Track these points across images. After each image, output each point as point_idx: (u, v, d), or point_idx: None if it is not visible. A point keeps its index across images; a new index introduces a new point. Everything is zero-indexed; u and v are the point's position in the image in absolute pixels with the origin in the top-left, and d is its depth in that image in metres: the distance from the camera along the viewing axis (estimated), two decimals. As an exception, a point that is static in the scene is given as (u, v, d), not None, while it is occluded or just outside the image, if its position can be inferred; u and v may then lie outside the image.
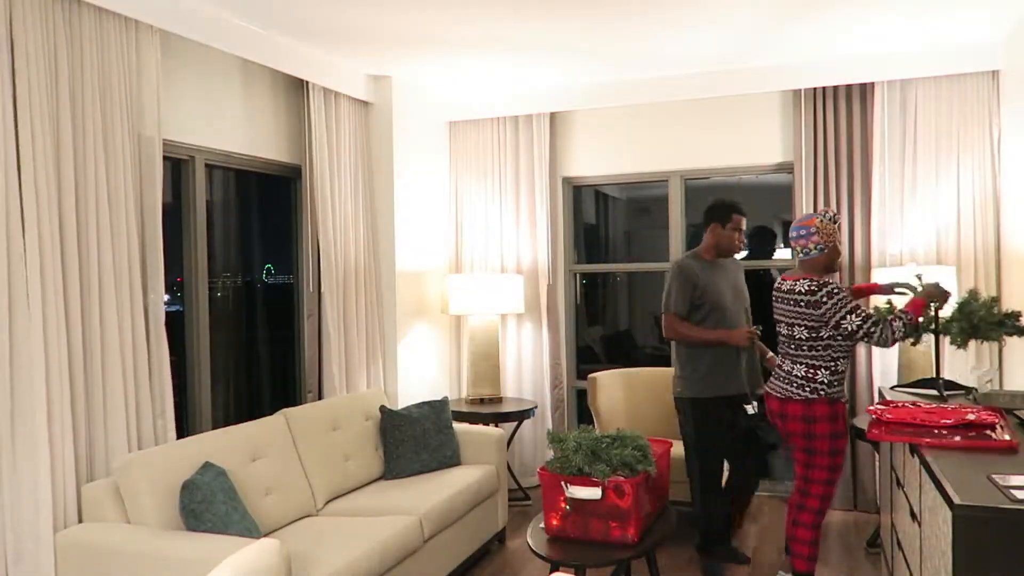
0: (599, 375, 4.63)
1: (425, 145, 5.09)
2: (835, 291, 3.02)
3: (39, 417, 2.69)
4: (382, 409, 4.03)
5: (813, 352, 3.11)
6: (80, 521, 2.83)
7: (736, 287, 3.82)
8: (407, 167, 4.84)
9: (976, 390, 3.13)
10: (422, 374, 5.01)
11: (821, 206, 4.54)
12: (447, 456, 4.02)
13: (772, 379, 3.32)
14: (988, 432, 2.42)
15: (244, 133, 4.01)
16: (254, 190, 4.57)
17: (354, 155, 4.54)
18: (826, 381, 3.10)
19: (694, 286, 3.65)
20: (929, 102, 4.35)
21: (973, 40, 4.20)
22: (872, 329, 2.97)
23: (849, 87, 4.49)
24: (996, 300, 3.27)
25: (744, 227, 3.75)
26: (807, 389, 3.11)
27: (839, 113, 4.51)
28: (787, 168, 4.77)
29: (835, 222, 3.16)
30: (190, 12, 3.38)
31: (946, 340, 3.37)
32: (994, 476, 1.96)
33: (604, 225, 6.49)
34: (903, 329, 2.99)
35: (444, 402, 4.15)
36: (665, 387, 4.59)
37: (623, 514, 2.77)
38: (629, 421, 4.59)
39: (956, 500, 1.81)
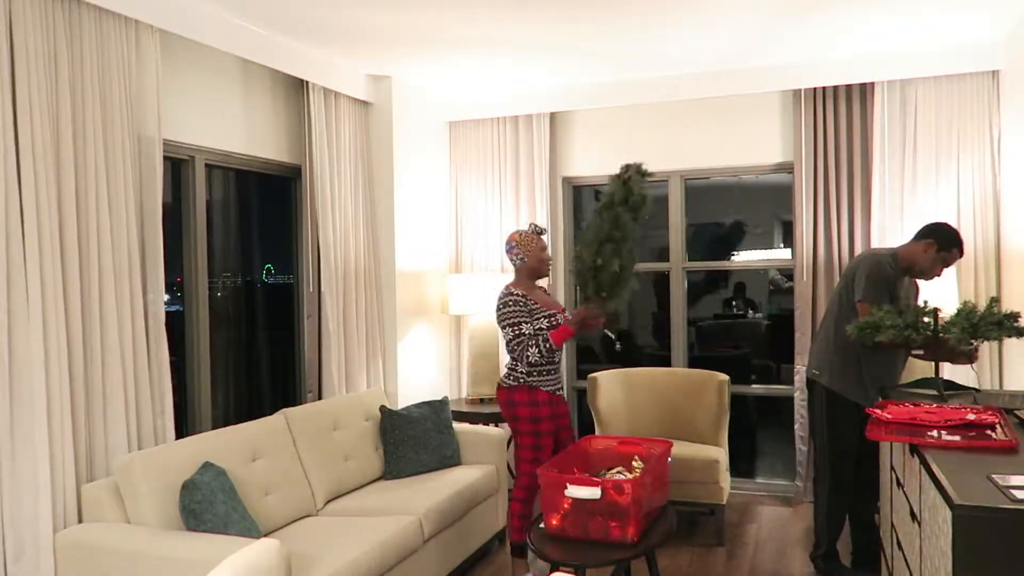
0: (599, 375, 4.63)
1: (425, 145, 5.09)
2: (511, 303, 3.47)
3: (39, 417, 2.69)
4: (382, 409, 4.02)
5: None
6: (80, 521, 2.83)
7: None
8: (407, 167, 4.84)
9: (977, 390, 3.13)
10: (422, 374, 5.01)
11: (822, 207, 4.55)
12: (447, 456, 4.02)
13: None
14: (988, 432, 2.42)
15: (244, 133, 4.01)
16: (254, 190, 4.57)
17: (354, 155, 4.54)
18: (524, 371, 3.51)
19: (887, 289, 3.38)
20: (929, 102, 4.35)
21: (973, 40, 4.20)
22: (515, 345, 3.46)
23: (849, 87, 4.49)
24: (996, 300, 3.27)
25: (951, 264, 3.49)
26: (510, 377, 3.55)
27: (839, 113, 4.51)
28: (787, 168, 4.77)
29: (540, 233, 3.61)
30: (190, 12, 3.38)
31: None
32: (994, 476, 1.96)
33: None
34: (537, 354, 3.43)
35: (444, 402, 4.15)
36: (664, 387, 4.60)
37: (623, 514, 2.77)
38: (629, 421, 4.59)
39: (956, 500, 1.81)
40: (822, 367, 3.55)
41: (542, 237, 3.64)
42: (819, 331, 3.70)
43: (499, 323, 3.54)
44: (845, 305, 3.48)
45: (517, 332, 3.46)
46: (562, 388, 3.70)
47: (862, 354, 3.41)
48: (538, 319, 3.51)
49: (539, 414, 3.51)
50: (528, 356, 3.44)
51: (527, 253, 3.58)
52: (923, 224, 3.48)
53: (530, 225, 3.65)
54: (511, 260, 3.64)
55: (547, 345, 3.44)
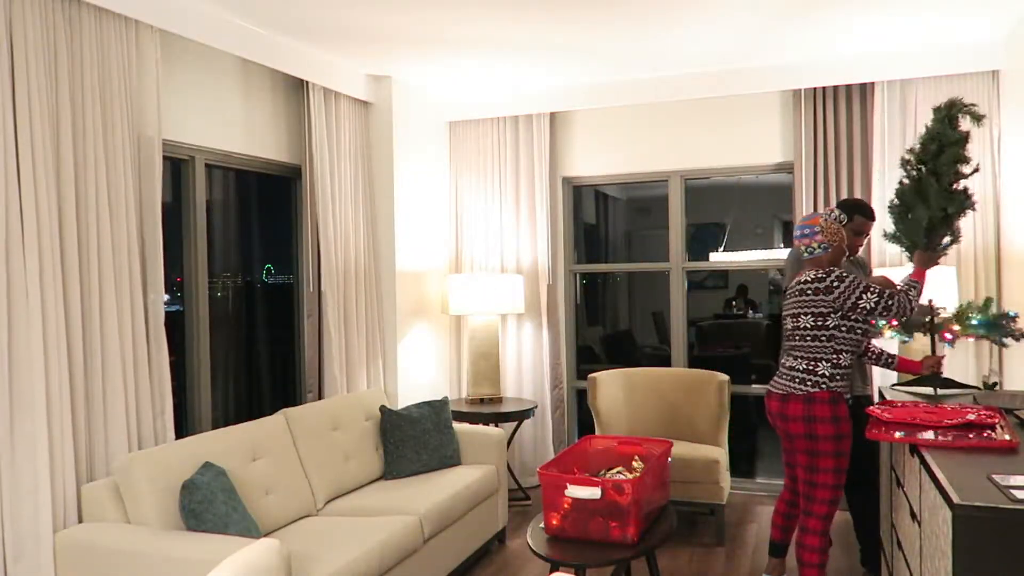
0: (599, 375, 4.63)
1: (425, 145, 5.09)
2: (844, 275, 2.95)
3: (39, 417, 2.69)
4: (382, 409, 4.03)
5: (817, 343, 3.01)
6: (80, 521, 2.83)
7: None
8: (407, 167, 4.84)
9: (979, 389, 3.13)
10: (422, 374, 5.01)
11: (822, 207, 4.55)
12: (447, 456, 4.02)
13: (775, 377, 3.22)
14: (988, 432, 2.42)
15: (244, 133, 4.01)
16: (254, 190, 4.57)
17: (354, 155, 4.54)
18: (827, 375, 2.99)
19: None
20: (929, 102, 4.35)
21: (973, 40, 4.20)
22: (890, 302, 2.91)
23: (849, 87, 4.49)
24: (990, 301, 3.27)
25: (867, 233, 3.53)
26: (808, 383, 3.00)
27: (839, 113, 4.51)
28: (787, 168, 4.78)
29: (841, 222, 3.10)
30: (190, 12, 3.38)
31: (941, 341, 3.37)
32: (994, 476, 1.96)
33: (604, 225, 6.49)
34: (917, 297, 2.99)
35: (444, 402, 4.15)
36: (665, 387, 4.61)
37: (623, 514, 2.77)
38: (629, 421, 4.60)
39: (956, 500, 1.81)
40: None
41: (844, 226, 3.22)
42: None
43: (836, 300, 2.94)
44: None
45: (880, 289, 2.93)
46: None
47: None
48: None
49: (842, 431, 2.99)
50: (912, 303, 2.96)
51: (830, 241, 3.06)
52: None
53: (828, 210, 3.15)
54: (807, 247, 3.09)
55: (917, 285, 3.02)
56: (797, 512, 3.40)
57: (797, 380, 3.03)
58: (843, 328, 2.99)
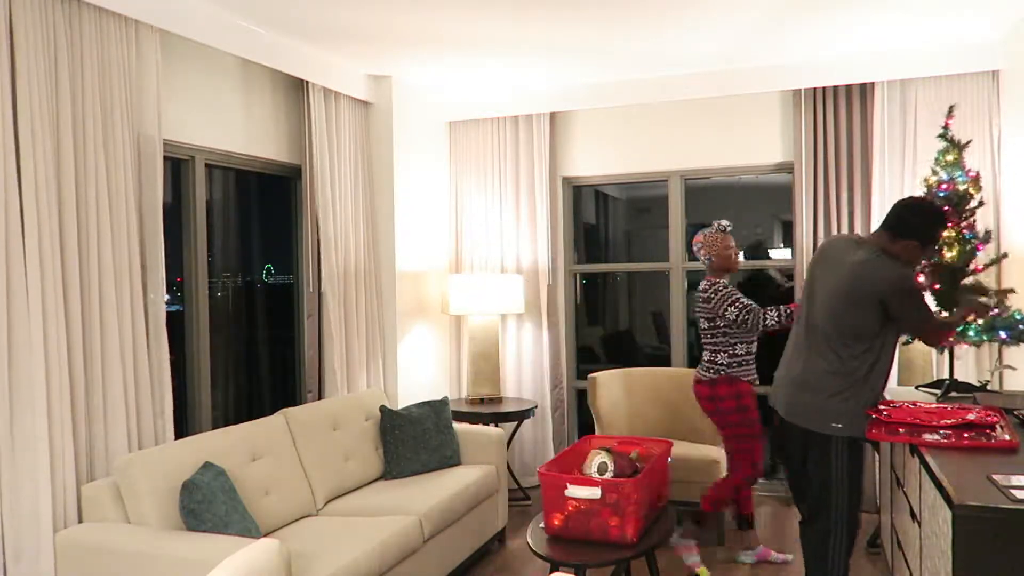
0: (599, 375, 4.63)
1: (425, 145, 5.09)
2: (719, 288, 3.60)
3: (39, 417, 2.69)
4: (382, 409, 4.02)
5: (714, 340, 3.68)
6: (80, 521, 2.83)
7: None
8: (407, 167, 4.84)
9: (984, 386, 3.13)
10: (422, 374, 5.01)
11: (822, 207, 4.55)
12: (447, 456, 4.01)
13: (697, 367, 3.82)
14: (988, 432, 2.42)
15: (244, 133, 4.01)
16: (254, 190, 4.57)
17: (354, 155, 4.54)
18: (726, 363, 3.62)
19: None
20: (929, 102, 4.35)
21: (973, 40, 4.20)
22: (746, 317, 3.53)
23: (849, 87, 4.49)
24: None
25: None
26: (711, 371, 3.66)
27: (839, 113, 4.51)
28: (787, 168, 4.77)
29: (724, 232, 3.70)
30: (190, 12, 3.38)
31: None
32: (994, 476, 1.96)
33: (604, 225, 6.48)
34: (776, 320, 3.52)
35: (444, 402, 4.15)
36: (664, 387, 4.60)
37: (623, 514, 2.77)
38: (629, 421, 4.59)
39: (956, 500, 1.81)
40: (843, 415, 2.74)
41: (728, 234, 3.72)
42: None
43: (713, 308, 3.61)
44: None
45: (743, 304, 3.53)
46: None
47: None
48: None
49: (743, 404, 3.59)
50: (766, 321, 3.51)
51: (711, 252, 3.69)
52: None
53: (714, 224, 3.74)
54: (701, 260, 3.76)
55: (788, 312, 3.49)
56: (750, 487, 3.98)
57: (703, 369, 3.72)
58: (732, 326, 3.60)
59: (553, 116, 5.14)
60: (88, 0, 2.91)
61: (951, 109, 3.40)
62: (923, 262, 3.39)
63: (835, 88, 4.51)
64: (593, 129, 5.19)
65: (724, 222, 3.73)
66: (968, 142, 3.41)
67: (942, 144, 3.40)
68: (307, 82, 4.15)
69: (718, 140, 4.90)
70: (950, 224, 3.29)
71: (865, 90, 4.46)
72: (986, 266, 3.24)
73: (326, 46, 4.11)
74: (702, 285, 3.70)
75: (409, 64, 4.51)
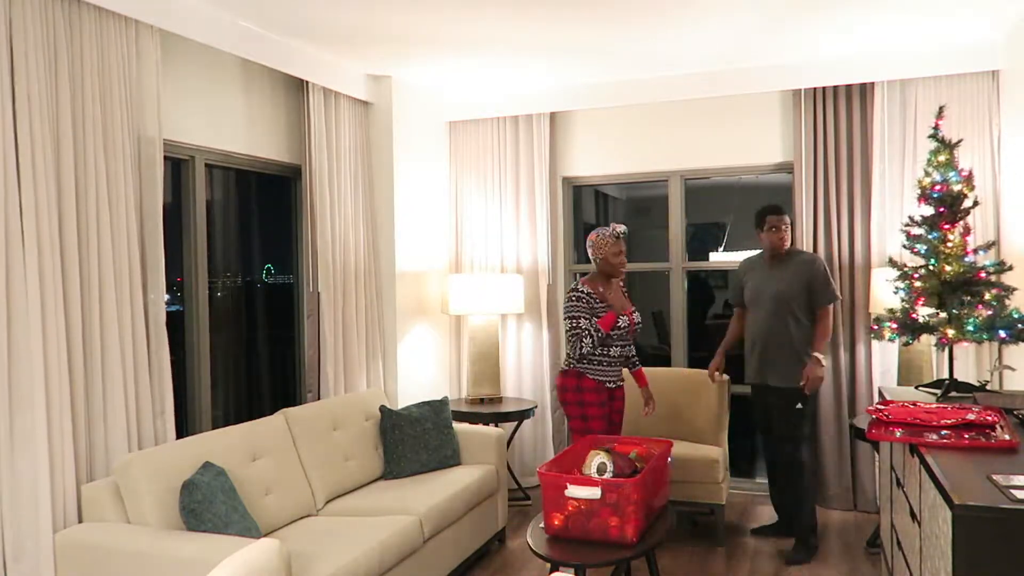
0: (599, 375, 4.62)
1: (425, 145, 5.09)
2: (573, 297, 3.67)
3: (39, 417, 2.69)
4: (382, 409, 4.03)
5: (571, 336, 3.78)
6: (80, 521, 2.83)
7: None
8: (407, 167, 4.84)
9: (984, 386, 3.12)
10: (422, 374, 5.01)
11: (822, 207, 4.55)
12: (447, 456, 4.02)
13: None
14: (988, 432, 2.42)
15: (244, 133, 4.01)
16: (254, 190, 4.57)
17: (354, 155, 4.54)
18: (576, 357, 3.70)
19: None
20: (929, 102, 4.35)
21: (973, 40, 4.20)
22: (571, 335, 3.67)
23: (849, 87, 4.49)
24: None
25: (780, 232, 3.93)
26: (566, 365, 3.76)
27: (839, 113, 4.51)
28: (787, 168, 4.77)
29: (618, 237, 3.73)
30: (190, 12, 3.38)
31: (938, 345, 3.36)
32: (994, 476, 1.96)
33: (604, 225, 6.49)
34: (590, 345, 3.61)
35: (444, 402, 4.15)
36: (664, 387, 4.60)
37: (623, 514, 2.77)
38: (629, 420, 4.59)
39: (956, 500, 1.81)
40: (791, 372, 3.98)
41: (620, 239, 3.75)
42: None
43: (563, 315, 3.87)
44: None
45: (574, 324, 3.66)
46: (619, 382, 3.83)
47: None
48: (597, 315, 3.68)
49: (585, 399, 3.68)
50: (582, 347, 3.63)
51: (599, 253, 3.76)
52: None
53: (611, 226, 3.79)
54: (591, 258, 3.83)
55: (599, 334, 3.61)
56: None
57: (562, 362, 3.84)
58: (583, 327, 3.66)
59: (553, 116, 5.14)
60: (88, 0, 2.91)
61: (941, 109, 3.39)
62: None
63: (835, 88, 4.51)
64: (593, 129, 5.19)
65: (620, 228, 3.77)
66: (959, 141, 3.38)
67: (933, 145, 3.40)
68: (307, 82, 4.15)
69: (718, 140, 4.90)
70: (946, 228, 3.27)
71: (865, 90, 4.46)
72: (989, 275, 3.22)
73: (326, 46, 4.11)
74: (573, 284, 3.81)
75: (409, 64, 4.51)
